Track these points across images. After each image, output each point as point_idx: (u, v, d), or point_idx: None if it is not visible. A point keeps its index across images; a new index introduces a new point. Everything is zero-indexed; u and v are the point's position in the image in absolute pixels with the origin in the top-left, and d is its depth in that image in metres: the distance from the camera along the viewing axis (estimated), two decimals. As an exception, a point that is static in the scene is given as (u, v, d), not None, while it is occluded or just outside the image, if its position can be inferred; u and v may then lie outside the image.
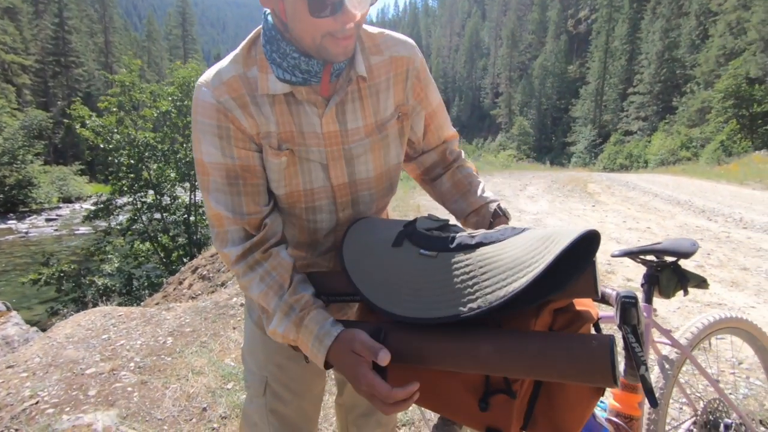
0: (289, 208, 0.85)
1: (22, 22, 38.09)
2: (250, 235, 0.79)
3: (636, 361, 0.70)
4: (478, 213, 0.94)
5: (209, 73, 0.76)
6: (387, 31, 0.85)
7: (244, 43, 0.78)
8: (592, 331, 0.69)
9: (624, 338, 0.74)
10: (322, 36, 0.67)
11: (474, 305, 0.58)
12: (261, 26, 0.78)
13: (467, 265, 0.62)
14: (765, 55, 18.61)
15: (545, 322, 0.65)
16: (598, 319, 0.70)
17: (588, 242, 0.59)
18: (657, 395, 1.29)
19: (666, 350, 1.35)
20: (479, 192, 0.96)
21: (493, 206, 0.93)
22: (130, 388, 2.28)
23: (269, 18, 0.75)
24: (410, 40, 0.87)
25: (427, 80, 0.90)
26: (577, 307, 0.67)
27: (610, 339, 0.54)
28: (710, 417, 1.43)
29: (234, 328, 3.03)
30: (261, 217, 0.79)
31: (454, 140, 1.03)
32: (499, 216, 0.92)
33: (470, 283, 0.60)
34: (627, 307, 0.76)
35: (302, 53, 0.72)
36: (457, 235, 0.68)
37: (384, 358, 0.63)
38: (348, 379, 0.69)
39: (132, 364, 2.55)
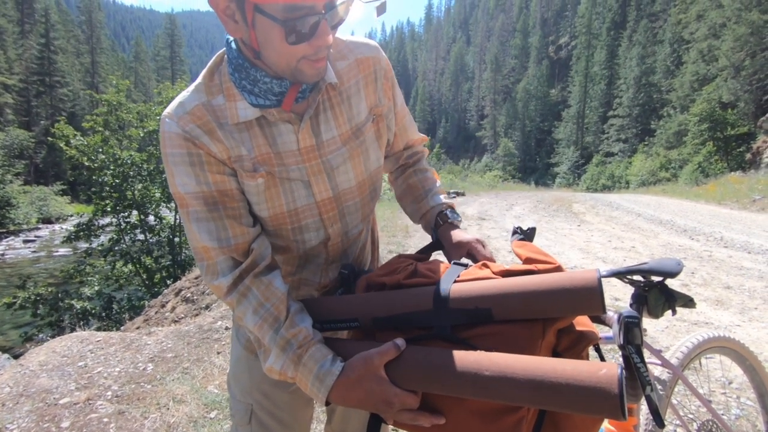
0: (275, 230, 0.83)
1: (7, 42, 37.85)
2: (238, 262, 0.77)
3: (641, 381, 0.69)
4: (425, 218, 0.99)
5: (173, 105, 0.76)
6: (348, 36, 0.86)
7: (204, 71, 0.77)
8: (592, 352, 0.68)
9: (626, 358, 0.73)
10: (297, 60, 0.68)
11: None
12: (221, 53, 0.77)
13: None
14: (736, 81, 19.45)
15: (549, 343, 0.63)
16: (599, 339, 0.69)
17: None
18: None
19: (657, 371, 1.34)
20: (429, 197, 1.00)
21: (437, 211, 0.96)
22: (106, 419, 2.17)
23: (233, 45, 0.74)
24: (373, 42, 0.87)
25: (394, 80, 0.91)
26: (579, 328, 0.66)
27: (619, 369, 0.52)
28: (704, 439, 1.41)
29: (218, 353, 2.94)
30: (248, 241, 0.77)
31: (418, 144, 1.05)
32: (441, 225, 0.94)
33: None
34: (630, 326, 0.76)
35: (273, 76, 0.72)
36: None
37: (402, 342, 0.65)
38: (368, 408, 0.67)
39: (109, 393, 2.43)
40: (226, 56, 0.76)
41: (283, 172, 0.78)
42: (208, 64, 0.78)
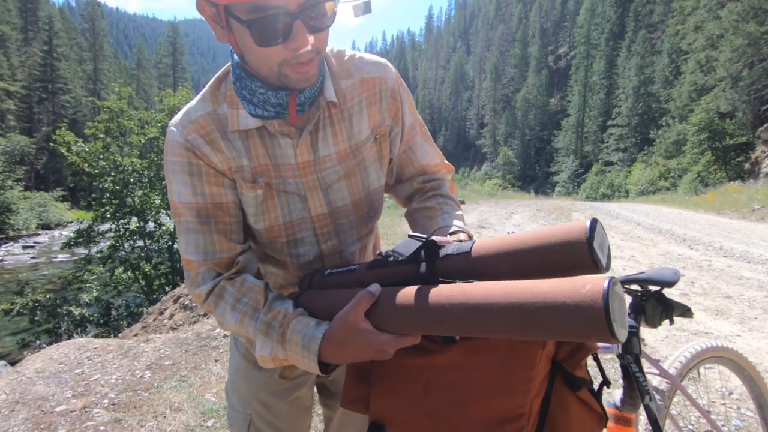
0: (270, 243, 0.83)
1: (11, 48, 38.15)
2: (220, 274, 0.78)
3: (640, 391, 0.69)
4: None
5: (179, 114, 0.77)
6: (358, 53, 0.83)
7: (212, 80, 0.78)
8: (591, 362, 0.68)
9: (625, 368, 0.73)
10: (278, 65, 0.65)
11: None
12: (230, 63, 0.77)
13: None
14: (734, 92, 19.57)
15: (549, 352, 0.63)
16: (598, 349, 0.69)
17: None
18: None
19: (656, 381, 1.34)
20: (447, 218, 0.83)
21: (446, 232, 0.80)
22: (102, 427, 2.15)
23: (235, 56, 0.74)
24: (382, 60, 0.84)
25: (404, 99, 0.86)
26: None
27: (607, 282, 0.46)
28: (703, 450, 1.40)
29: (216, 361, 2.92)
30: (233, 255, 0.78)
31: (439, 172, 0.95)
32: None
33: None
34: (629, 336, 0.76)
35: (269, 87, 0.71)
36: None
37: (376, 288, 0.64)
38: (366, 359, 0.66)
39: (106, 401, 2.42)
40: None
41: (280, 185, 0.78)
42: (217, 74, 0.79)
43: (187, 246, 0.76)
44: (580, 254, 0.53)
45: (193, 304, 5.07)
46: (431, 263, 0.66)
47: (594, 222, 0.53)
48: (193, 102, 0.77)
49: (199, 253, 0.76)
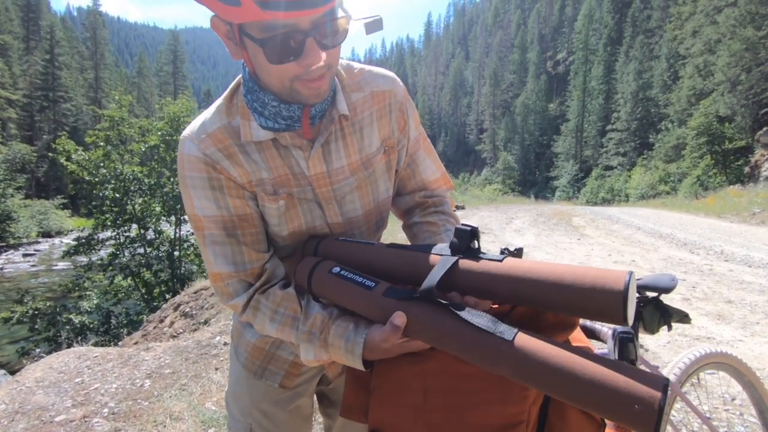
0: (293, 245, 0.85)
1: (13, 58, 38.39)
2: (251, 284, 0.79)
3: None
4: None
5: (193, 126, 0.76)
6: (367, 67, 0.85)
7: (225, 92, 0.78)
8: None
9: None
10: (290, 80, 0.66)
11: None
12: (241, 75, 0.78)
13: None
14: (732, 96, 19.62)
15: None
16: None
17: None
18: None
19: (656, 388, 1.33)
20: (450, 235, 0.86)
21: None
22: (102, 437, 2.15)
23: (246, 68, 0.74)
24: (391, 74, 0.86)
25: (410, 113, 0.89)
26: (574, 344, 0.67)
27: (663, 385, 0.47)
28: (705, 457, 1.40)
29: (216, 369, 2.91)
30: (261, 265, 0.79)
31: (440, 189, 0.96)
32: None
33: None
34: (625, 342, 0.76)
35: (281, 100, 0.72)
36: None
37: (401, 318, 0.63)
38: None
39: (106, 410, 2.41)
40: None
41: (301, 193, 0.80)
42: (230, 86, 0.79)
43: (216, 258, 0.77)
44: (611, 305, 0.53)
45: (194, 312, 5.06)
46: (466, 251, 0.68)
47: (631, 275, 0.54)
48: (208, 114, 0.77)
49: (228, 264, 0.77)
